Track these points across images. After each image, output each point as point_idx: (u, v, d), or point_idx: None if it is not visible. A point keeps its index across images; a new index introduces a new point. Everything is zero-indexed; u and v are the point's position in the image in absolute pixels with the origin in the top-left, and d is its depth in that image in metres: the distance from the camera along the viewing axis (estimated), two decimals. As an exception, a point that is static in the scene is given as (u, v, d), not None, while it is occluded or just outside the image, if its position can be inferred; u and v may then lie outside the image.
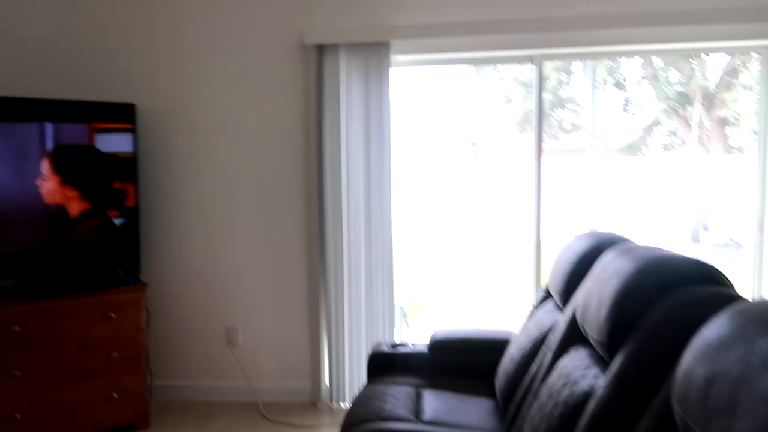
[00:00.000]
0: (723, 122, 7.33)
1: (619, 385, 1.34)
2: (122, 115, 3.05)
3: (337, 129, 3.15)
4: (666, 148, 8.19)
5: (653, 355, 1.30)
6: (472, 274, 6.92)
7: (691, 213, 5.18)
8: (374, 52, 3.11)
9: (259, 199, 3.33)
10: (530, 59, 3.26)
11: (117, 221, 3.07)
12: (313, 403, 3.33)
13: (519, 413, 1.86)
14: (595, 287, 1.62)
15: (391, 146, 3.17)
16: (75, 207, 2.97)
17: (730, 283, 1.39)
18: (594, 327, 1.54)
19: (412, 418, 2.02)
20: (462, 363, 2.44)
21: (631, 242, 1.89)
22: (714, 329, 1.12)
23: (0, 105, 2.79)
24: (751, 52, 3.23)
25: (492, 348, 2.41)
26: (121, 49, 3.30)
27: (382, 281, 3.18)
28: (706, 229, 4.98)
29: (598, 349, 1.53)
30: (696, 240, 4.92)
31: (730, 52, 3.47)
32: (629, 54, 3.82)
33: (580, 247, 2.05)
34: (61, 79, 3.24)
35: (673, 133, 8.18)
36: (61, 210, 2.95)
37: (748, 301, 1.21)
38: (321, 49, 3.16)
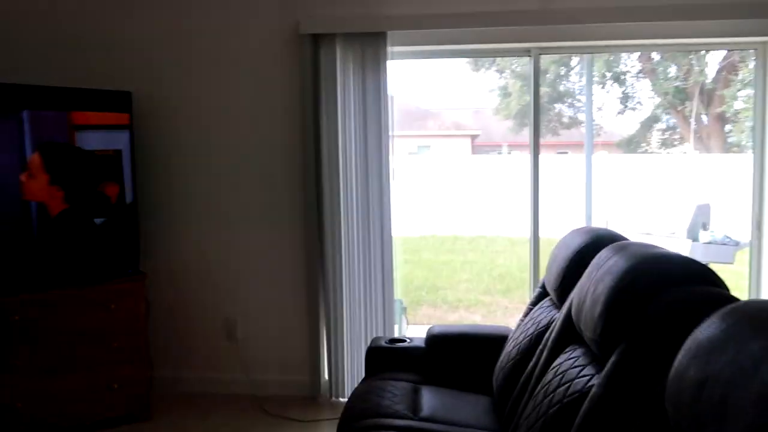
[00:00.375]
0: (722, 119, 7.32)
1: (612, 384, 1.35)
2: (118, 104, 3.04)
3: (334, 119, 3.15)
4: (664, 144, 8.19)
5: (646, 355, 1.32)
6: (471, 269, 6.93)
7: (689, 210, 5.20)
8: (371, 42, 3.11)
9: (256, 191, 3.33)
10: (527, 52, 3.26)
11: (109, 216, 3.07)
12: (312, 397, 3.34)
13: (515, 411, 1.87)
14: (589, 285, 1.63)
15: (389, 138, 3.17)
16: (57, 206, 2.96)
17: (723, 283, 1.41)
18: (588, 325, 1.56)
19: (410, 414, 2.03)
20: (459, 359, 2.45)
21: (627, 239, 1.91)
22: (706, 330, 1.12)
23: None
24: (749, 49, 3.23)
25: (489, 344, 2.42)
26: (115, 38, 3.29)
27: (382, 275, 3.19)
28: (704, 227, 5.00)
29: (593, 347, 1.54)
30: (694, 237, 4.94)
31: (727, 48, 3.47)
32: (626, 49, 3.83)
33: (575, 243, 2.06)
34: (52, 66, 3.24)
35: (672, 129, 8.18)
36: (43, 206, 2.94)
37: (741, 301, 1.22)
38: (317, 39, 3.16)
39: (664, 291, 1.38)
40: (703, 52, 7.10)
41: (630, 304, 1.42)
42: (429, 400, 2.15)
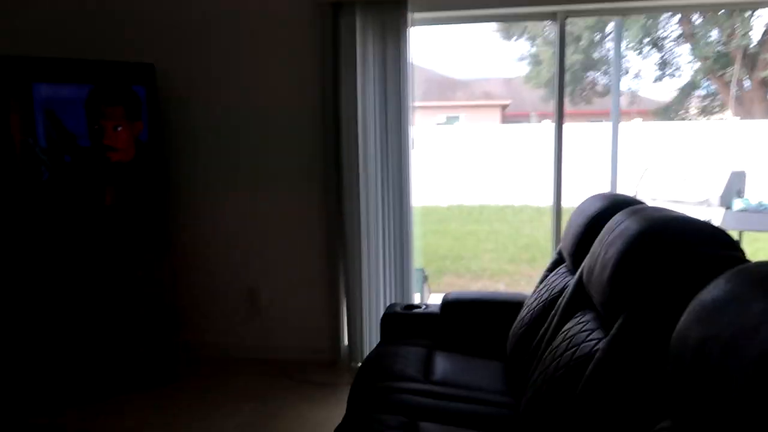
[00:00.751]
0: (765, 84, 7.00)
1: (616, 347, 1.33)
2: (140, 77, 3.07)
3: (354, 89, 3.12)
4: (704, 111, 7.89)
5: (652, 318, 1.29)
6: (497, 239, 6.86)
7: (723, 177, 5.03)
8: (391, 9, 3.05)
9: (277, 161, 3.35)
10: (553, 16, 3.15)
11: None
12: (332, 362, 3.40)
13: (525, 376, 1.86)
14: (600, 249, 1.60)
15: (410, 107, 3.13)
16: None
17: (738, 246, 1.36)
18: (597, 289, 1.53)
19: (421, 378, 2.05)
20: (474, 324, 2.44)
21: (642, 204, 1.85)
22: (711, 291, 1.10)
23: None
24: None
25: (504, 310, 2.40)
26: (134, 10, 3.31)
27: (401, 244, 3.19)
28: (739, 194, 4.82)
29: (601, 311, 1.52)
30: (728, 205, 4.77)
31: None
32: (662, 10, 3.65)
33: (591, 209, 2.01)
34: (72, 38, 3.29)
35: (711, 96, 7.87)
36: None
37: (749, 263, 1.18)
38: (336, 7, 3.11)
39: (674, 254, 1.35)
40: (748, 13, 6.76)
41: (639, 268, 1.38)
42: (441, 364, 2.16)
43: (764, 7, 3.21)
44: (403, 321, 2.50)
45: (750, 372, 0.92)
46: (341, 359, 3.38)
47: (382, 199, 3.20)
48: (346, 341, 3.38)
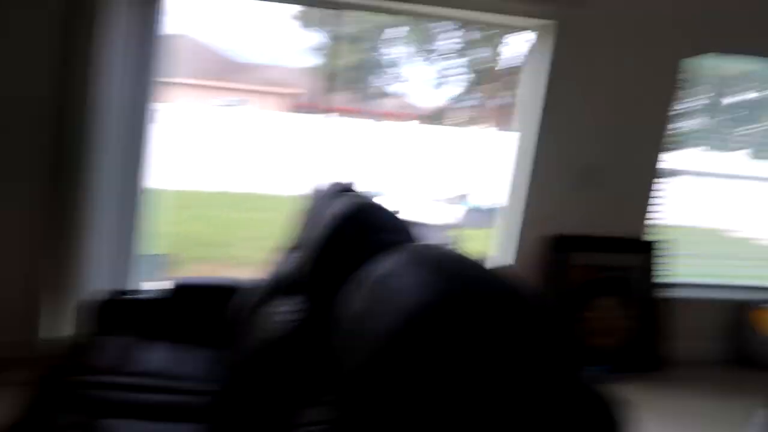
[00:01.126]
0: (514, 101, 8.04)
1: (298, 327, 1.32)
2: None
3: (94, 56, 2.67)
4: (470, 120, 8.77)
5: (331, 297, 1.28)
6: (262, 227, 6.75)
7: (457, 181, 5.71)
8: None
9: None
10: (331, 5, 3.13)
11: None
12: (32, 357, 2.88)
13: (232, 359, 1.78)
14: (309, 232, 1.59)
15: (152, 80, 2.84)
16: None
17: (411, 233, 1.44)
18: (302, 271, 1.51)
19: (120, 369, 1.85)
20: (203, 311, 2.30)
21: (359, 194, 1.90)
22: (373, 270, 1.13)
23: None
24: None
25: (234, 296, 2.30)
26: None
27: (130, 227, 2.88)
28: (469, 196, 5.57)
29: (303, 292, 1.49)
30: (455, 203, 5.46)
31: (511, 30, 3.63)
32: (427, 16, 3.83)
33: (319, 196, 2.03)
34: None
35: (472, 107, 8.79)
36: None
37: (412, 244, 1.24)
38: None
39: (359, 238, 1.37)
40: (508, 34, 7.67)
41: (330, 249, 1.38)
42: (153, 354, 1.98)
43: (516, 32, 3.56)
44: (115, 309, 2.25)
45: (373, 342, 0.93)
46: (44, 354, 2.91)
47: (113, 178, 2.82)
48: (53, 333, 2.92)
